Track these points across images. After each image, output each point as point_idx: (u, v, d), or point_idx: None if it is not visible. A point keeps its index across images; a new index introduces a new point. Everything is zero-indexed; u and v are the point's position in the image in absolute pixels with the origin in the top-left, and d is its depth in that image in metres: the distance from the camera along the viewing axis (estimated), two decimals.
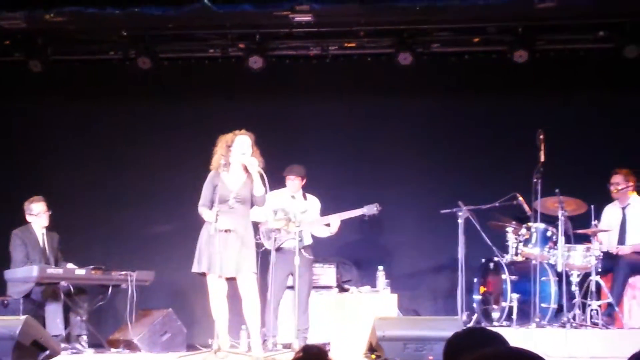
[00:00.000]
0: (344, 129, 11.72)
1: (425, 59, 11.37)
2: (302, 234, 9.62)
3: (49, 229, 10.27)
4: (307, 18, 10.56)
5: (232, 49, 11.58)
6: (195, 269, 8.75)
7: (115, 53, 11.74)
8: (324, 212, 10.10)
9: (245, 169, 8.80)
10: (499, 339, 3.73)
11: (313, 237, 10.05)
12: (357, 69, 11.70)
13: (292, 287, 10.00)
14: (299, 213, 9.64)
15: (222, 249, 8.52)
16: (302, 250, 9.44)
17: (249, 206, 8.88)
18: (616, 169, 10.14)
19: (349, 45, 11.60)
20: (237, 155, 8.79)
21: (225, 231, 8.58)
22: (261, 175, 8.70)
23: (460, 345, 3.73)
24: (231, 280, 8.75)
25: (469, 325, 9.46)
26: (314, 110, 11.72)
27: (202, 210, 8.77)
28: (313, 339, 9.82)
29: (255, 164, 8.68)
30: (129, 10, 10.47)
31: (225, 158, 8.79)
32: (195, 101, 11.82)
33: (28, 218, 10.21)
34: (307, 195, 10.18)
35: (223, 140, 8.88)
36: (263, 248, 9.66)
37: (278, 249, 9.60)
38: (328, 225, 9.93)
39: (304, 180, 10.15)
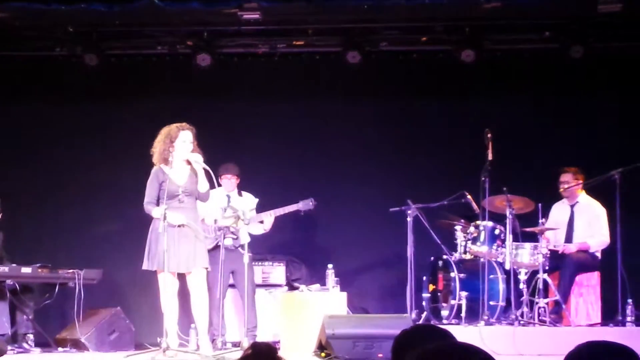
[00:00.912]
0: (292, 128, 11.69)
1: (374, 58, 11.37)
2: (240, 232, 9.60)
3: None
4: (255, 16, 10.54)
5: (180, 47, 11.48)
6: (145, 266, 8.70)
7: (61, 49, 11.53)
8: (267, 210, 10.05)
9: (188, 162, 8.76)
10: (446, 336, 3.74)
11: (250, 235, 9.98)
12: (305, 67, 11.69)
13: (233, 286, 10.00)
14: (247, 211, 9.62)
15: (174, 244, 8.52)
16: (240, 248, 9.41)
17: (195, 199, 8.86)
18: (565, 167, 10.24)
19: (298, 43, 11.56)
20: (180, 150, 8.75)
21: (179, 226, 8.53)
22: (207, 171, 8.67)
23: (408, 342, 3.72)
24: (181, 277, 8.72)
25: (417, 323, 9.50)
26: (262, 109, 11.66)
27: (150, 208, 8.71)
28: (262, 337, 9.81)
29: (200, 160, 8.65)
30: (75, 6, 10.37)
31: (167, 152, 8.74)
32: (142, 99, 11.71)
33: None
34: (243, 192, 10.15)
35: (166, 134, 8.82)
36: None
37: (217, 248, 9.51)
38: (262, 222, 9.92)
39: (238, 178, 10.12)
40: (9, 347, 9.02)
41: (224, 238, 9.47)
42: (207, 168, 8.71)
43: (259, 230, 9.98)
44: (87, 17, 10.79)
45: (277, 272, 10.63)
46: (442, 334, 3.79)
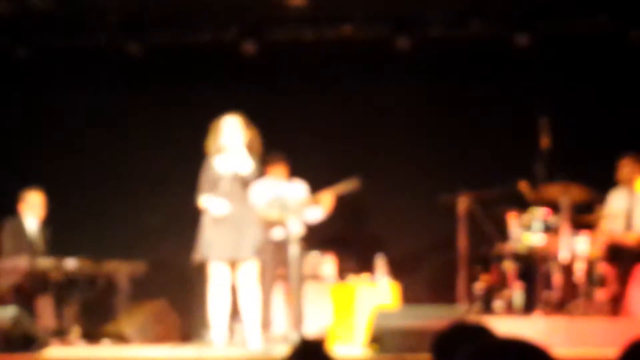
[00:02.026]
0: (339, 115, 11.56)
1: (424, 43, 11.19)
2: (290, 223, 9.45)
3: (42, 220, 10.19)
4: (301, 2, 10.44)
5: (225, 34, 11.38)
6: (198, 257, 8.63)
7: (103, 38, 11.47)
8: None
9: (240, 151, 8.69)
10: (486, 332, 3.73)
11: (304, 226, 9.80)
12: (353, 53, 11.53)
13: (281, 279, 9.91)
14: (296, 200, 9.56)
15: (224, 234, 8.46)
16: (289, 240, 9.31)
17: (247, 188, 8.78)
18: (625, 154, 9.98)
19: (345, 29, 11.40)
20: (229, 139, 8.68)
21: (226, 216, 8.50)
22: (259, 156, 8.63)
23: (449, 344, 3.69)
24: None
25: (456, 319, 9.39)
26: (309, 96, 11.54)
27: (202, 199, 8.68)
28: (311, 330, 9.71)
29: (247, 145, 8.59)
30: None
31: (216, 143, 8.69)
32: (186, 87, 11.63)
33: (22, 207, 10.12)
34: (293, 180, 10.07)
35: (212, 126, 8.81)
36: None
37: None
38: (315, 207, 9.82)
39: (286, 167, 10.04)
40: (55, 341, 9.05)
41: (272, 230, 9.38)
42: (261, 154, 8.71)
43: (318, 214, 9.84)
44: (130, 5, 10.82)
45: (326, 263, 10.52)
46: (481, 330, 3.78)
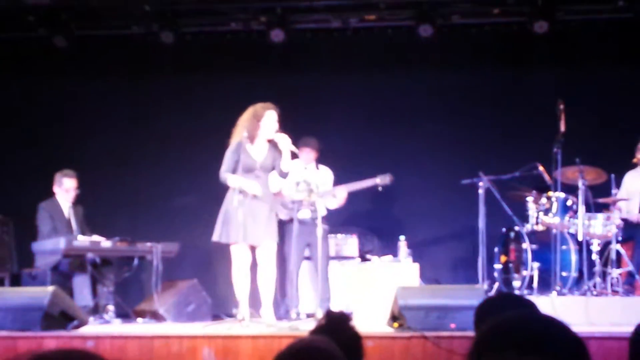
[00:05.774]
0: (364, 102, 11.77)
1: (446, 31, 11.37)
2: (317, 205, 9.67)
3: (74, 202, 10.35)
4: None
5: (254, 23, 11.59)
6: (217, 238, 8.88)
7: (138, 28, 11.74)
8: (341, 183, 10.11)
9: (271, 142, 8.91)
10: (530, 306, 3.84)
11: (326, 208, 10.06)
12: (377, 41, 11.72)
13: (308, 258, 10.14)
14: (321, 184, 9.72)
15: (248, 217, 8.66)
16: (318, 221, 9.49)
17: (268, 176, 9.01)
18: None
19: (369, 18, 11.60)
20: (265, 129, 8.90)
21: (254, 196, 8.71)
22: (292, 152, 8.83)
23: (491, 308, 3.85)
24: (252, 250, 8.90)
25: (502, 292, 9.61)
26: (335, 84, 11.76)
27: (227, 176, 8.87)
28: (335, 309, 9.82)
29: (288, 141, 8.78)
30: None
31: (253, 130, 8.89)
32: (217, 75, 11.87)
33: (56, 190, 10.29)
34: (320, 166, 10.25)
35: (252, 114, 8.96)
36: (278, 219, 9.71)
37: (293, 220, 9.64)
38: (331, 198, 9.98)
39: (317, 153, 10.21)
40: (91, 318, 9.14)
41: (298, 211, 9.61)
42: (295, 150, 8.87)
43: (333, 204, 10.04)
44: None
45: (349, 244, 10.71)
46: (526, 303, 3.89)
